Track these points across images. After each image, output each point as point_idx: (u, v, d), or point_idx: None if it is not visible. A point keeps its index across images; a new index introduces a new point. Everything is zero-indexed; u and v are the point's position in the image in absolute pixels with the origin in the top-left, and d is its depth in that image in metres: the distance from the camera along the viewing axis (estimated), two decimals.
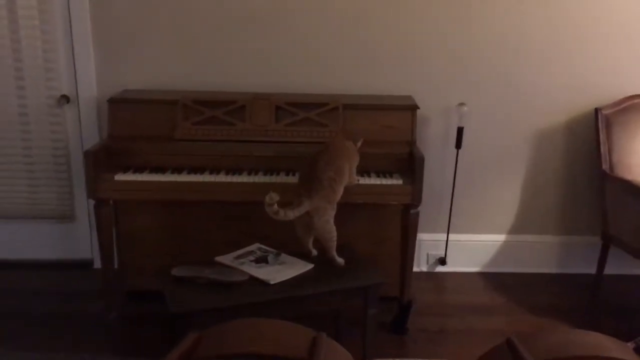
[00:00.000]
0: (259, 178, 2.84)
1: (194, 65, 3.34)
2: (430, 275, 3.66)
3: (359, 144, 2.76)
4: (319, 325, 1.63)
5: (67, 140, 3.46)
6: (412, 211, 2.88)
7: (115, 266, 3.09)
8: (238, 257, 2.58)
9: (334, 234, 2.51)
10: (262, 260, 2.55)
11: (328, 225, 2.49)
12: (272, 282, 2.37)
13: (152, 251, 3.19)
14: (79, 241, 3.58)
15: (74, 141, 3.45)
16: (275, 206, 2.34)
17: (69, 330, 2.97)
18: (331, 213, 2.50)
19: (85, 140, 3.41)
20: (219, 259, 2.55)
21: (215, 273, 2.37)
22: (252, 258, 2.57)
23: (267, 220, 2.65)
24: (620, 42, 3.35)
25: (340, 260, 2.56)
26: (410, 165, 2.88)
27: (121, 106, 3.05)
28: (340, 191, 2.55)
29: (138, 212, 3.16)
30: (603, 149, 3.26)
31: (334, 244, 2.52)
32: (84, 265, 3.57)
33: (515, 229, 3.64)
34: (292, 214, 2.38)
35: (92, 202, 2.89)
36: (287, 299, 2.33)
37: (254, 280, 2.39)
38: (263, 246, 2.68)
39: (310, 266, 2.51)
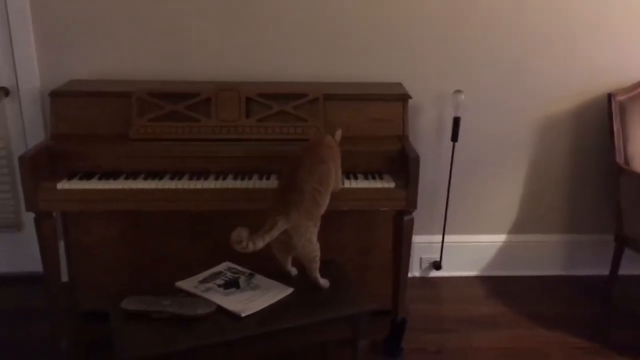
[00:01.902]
0: (228, 183, 2.44)
1: (151, 51, 2.92)
2: (424, 282, 3.30)
3: (338, 136, 2.37)
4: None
5: (8, 138, 3.03)
6: (405, 218, 2.50)
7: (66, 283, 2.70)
8: (204, 280, 2.19)
9: (317, 253, 2.12)
10: (232, 284, 2.16)
11: (310, 244, 2.10)
12: (243, 315, 1.98)
13: (109, 267, 2.80)
14: (27, 253, 3.14)
15: (17, 140, 3.03)
16: (244, 242, 1.94)
17: (11, 358, 2.57)
18: (314, 230, 2.11)
19: (29, 138, 2.99)
20: (180, 284, 2.16)
21: (174, 305, 1.98)
22: (220, 282, 2.18)
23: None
24: (635, 20, 2.98)
25: (324, 282, 2.18)
26: (402, 164, 2.50)
27: (65, 100, 2.62)
28: (325, 204, 2.16)
29: (91, 221, 2.76)
30: (617, 139, 2.92)
31: (317, 265, 2.14)
32: (34, 279, 3.14)
33: (517, 229, 3.30)
34: (261, 242, 1.98)
35: None
36: (261, 336, 1.95)
37: (221, 312, 2.00)
38: (233, 265, 2.29)
39: (289, 290, 2.13)
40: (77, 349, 2.64)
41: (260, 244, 1.96)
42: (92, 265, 2.79)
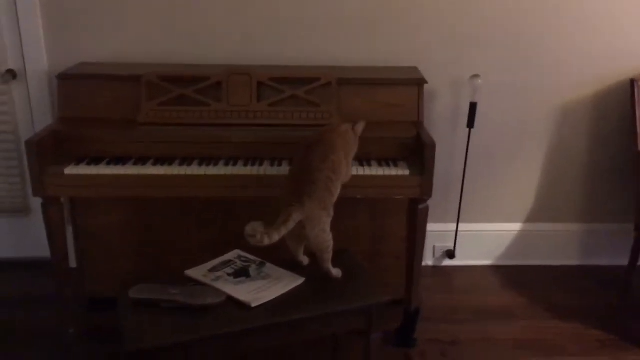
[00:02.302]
0: (239, 169, 2.38)
1: (162, 34, 2.85)
2: (437, 270, 3.24)
3: (360, 127, 2.29)
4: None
5: (15, 122, 2.97)
6: (420, 206, 2.43)
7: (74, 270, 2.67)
8: (213, 269, 2.14)
9: (331, 243, 2.06)
10: (242, 273, 2.11)
11: (324, 234, 2.04)
12: (253, 305, 1.92)
13: (117, 253, 2.76)
14: (35, 238, 3.10)
15: (25, 124, 2.98)
16: (259, 236, 1.89)
17: (16, 346, 2.53)
18: (327, 220, 2.05)
19: (37, 122, 2.94)
20: (189, 272, 2.11)
21: (183, 294, 1.93)
22: (230, 270, 2.12)
23: (249, 219, 2.21)
24: None
25: (336, 272, 2.11)
26: (418, 150, 2.43)
27: (73, 83, 2.57)
28: (337, 192, 2.09)
29: (99, 208, 2.71)
30: (639, 126, 2.80)
31: (329, 256, 2.08)
32: (42, 264, 3.10)
33: (533, 217, 3.22)
34: (277, 235, 1.92)
35: None
36: (272, 326, 1.89)
37: (231, 301, 1.94)
38: (244, 253, 2.24)
39: (300, 280, 2.07)
40: (83, 336, 2.60)
41: (276, 237, 1.91)
42: (100, 252, 2.75)
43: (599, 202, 3.19)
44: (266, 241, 1.89)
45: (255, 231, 1.88)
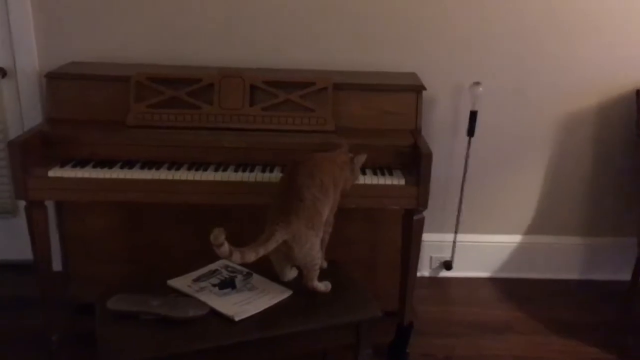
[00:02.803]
0: (229, 175, 2.30)
1: (154, 33, 2.79)
2: (433, 282, 3.16)
3: (361, 160, 2.17)
4: None
5: (4, 121, 2.91)
6: (415, 217, 2.35)
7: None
8: (198, 278, 2.06)
9: (318, 262, 1.98)
10: (227, 284, 2.03)
11: (312, 253, 1.95)
12: (237, 319, 1.84)
13: (104, 258, 2.69)
14: (23, 240, 2.98)
15: (14, 123, 2.91)
16: (225, 246, 1.74)
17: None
18: (315, 240, 1.96)
19: (26, 121, 2.87)
20: (172, 282, 2.03)
21: (164, 306, 1.85)
22: (215, 281, 2.05)
23: (238, 227, 2.14)
24: None
25: (324, 286, 2.03)
26: (414, 160, 2.34)
27: (61, 83, 2.50)
28: (325, 213, 2.00)
29: (87, 211, 2.66)
30: None
31: (316, 274, 1.99)
32: (30, 267, 3.03)
33: (533, 229, 3.14)
34: (254, 255, 1.80)
35: None
36: (256, 342, 1.81)
37: (214, 314, 1.86)
38: (230, 263, 2.15)
39: (288, 293, 1.99)
40: (69, 341, 2.53)
41: (252, 258, 1.79)
42: (87, 256, 2.69)
43: (601, 215, 3.11)
44: (236, 257, 1.77)
45: (218, 239, 1.72)
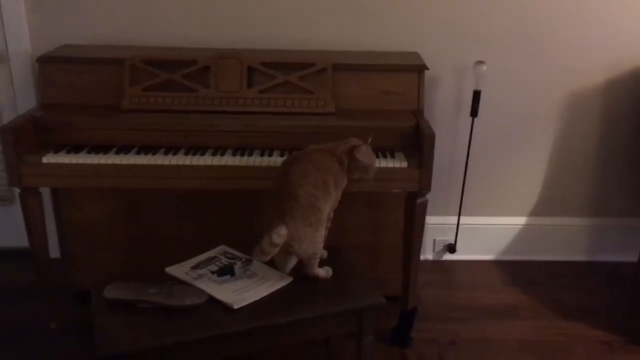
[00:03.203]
0: (227, 159, 2.25)
1: (149, 15, 2.72)
2: (437, 265, 3.11)
3: (361, 150, 2.03)
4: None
5: None
6: (418, 200, 2.30)
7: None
8: (196, 266, 2.02)
9: (319, 251, 1.93)
10: (226, 271, 1.98)
11: (313, 244, 1.91)
12: (235, 307, 1.80)
13: (102, 245, 2.66)
14: (20, 227, 2.95)
15: (8, 107, 2.85)
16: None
17: None
18: (314, 234, 1.90)
19: (20, 106, 2.80)
20: (170, 270, 1.98)
21: (161, 294, 1.80)
22: (214, 268, 2.00)
23: (237, 212, 2.10)
24: None
25: (326, 272, 1.98)
26: (416, 141, 2.29)
27: (54, 66, 2.44)
28: (324, 209, 1.94)
29: (84, 198, 2.60)
30: None
31: (316, 261, 1.95)
32: (27, 254, 2.99)
33: (538, 211, 3.08)
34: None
35: None
36: (255, 330, 1.77)
37: (212, 302, 1.82)
38: (230, 250, 2.11)
39: (288, 280, 1.95)
40: (69, 330, 2.49)
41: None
42: (85, 243, 2.65)
43: (608, 196, 3.05)
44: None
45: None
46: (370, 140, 2.08)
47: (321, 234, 1.94)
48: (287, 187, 1.89)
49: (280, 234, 1.80)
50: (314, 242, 1.90)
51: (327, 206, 1.94)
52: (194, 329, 1.73)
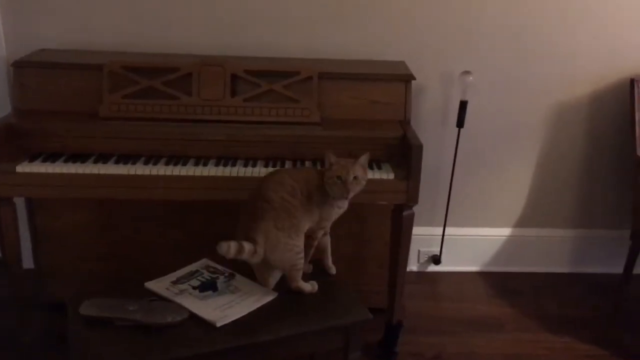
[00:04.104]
0: (209, 169, 2.18)
1: (129, 19, 2.65)
2: (421, 276, 3.07)
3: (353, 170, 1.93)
4: None
5: None
6: (405, 212, 2.25)
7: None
8: (177, 280, 1.95)
9: (298, 261, 1.87)
10: (208, 286, 1.91)
11: (288, 253, 1.85)
12: (218, 324, 1.73)
13: (79, 255, 2.59)
14: None
15: None
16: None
17: None
18: (288, 241, 1.84)
19: None
20: (150, 285, 1.91)
21: (141, 310, 1.73)
22: (195, 283, 1.93)
23: (220, 222, 2.04)
24: None
25: (310, 286, 1.93)
26: (403, 152, 2.24)
27: (29, 72, 2.36)
28: (301, 218, 1.87)
29: (59, 206, 2.52)
30: (638, 129, 2.66)
31: (298, 274, 1.89)
32: (1, 265, 2.90)
33: (524, 222, 3.07)
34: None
35: None
36: (238, 348, 1.70)
37: (194, 320, 1.75)
38: (212, 263, 2.05)
39: (272, 295, 1.89)
40: (42, 342, 2.41)
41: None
42: (60, 254, 2.57)
43: (592, 207, 3.04)
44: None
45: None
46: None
47: (297, 243, 1.86)
48: (262, 192, 1.85)
49: (244, 247, 1.76)
50: (289, 250, 1.84)
51: (305, 218, 1.88)
52: (175, 348, 1.66)
